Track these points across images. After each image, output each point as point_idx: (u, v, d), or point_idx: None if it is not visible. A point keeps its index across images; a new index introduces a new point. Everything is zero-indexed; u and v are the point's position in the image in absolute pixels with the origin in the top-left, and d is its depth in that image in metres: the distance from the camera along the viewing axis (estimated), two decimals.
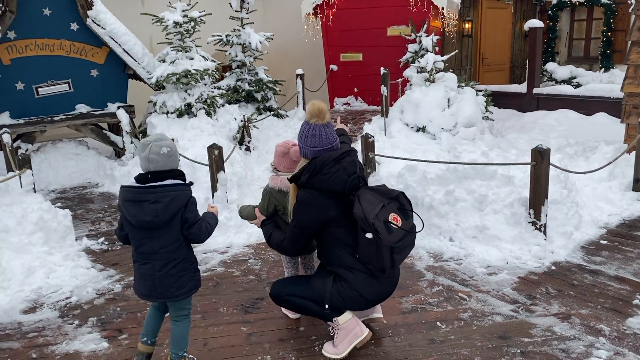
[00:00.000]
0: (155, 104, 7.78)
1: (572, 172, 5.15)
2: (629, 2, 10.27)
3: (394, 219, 2.85)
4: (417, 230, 3.02)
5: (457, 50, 10.60)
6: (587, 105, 10.67)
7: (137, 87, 8.77)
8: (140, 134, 8.28)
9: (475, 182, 5.14)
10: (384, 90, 8.71)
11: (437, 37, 9.95)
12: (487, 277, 4.27)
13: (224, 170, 5.54)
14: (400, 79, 9.91)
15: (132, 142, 7.91)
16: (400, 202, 2.98)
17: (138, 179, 2.74)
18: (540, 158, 4.59)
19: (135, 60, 7.82)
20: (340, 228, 2.92)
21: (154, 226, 2.68)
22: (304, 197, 2.92)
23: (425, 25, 10.08)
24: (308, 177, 2.89)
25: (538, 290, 3.98)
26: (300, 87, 9.80)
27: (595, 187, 6.03)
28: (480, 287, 4.06)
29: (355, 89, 11.67)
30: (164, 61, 8.03)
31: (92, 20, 7.49)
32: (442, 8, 9.92)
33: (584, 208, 5.43)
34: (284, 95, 9.96)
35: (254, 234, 5.41)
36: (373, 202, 2.83)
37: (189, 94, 7.68)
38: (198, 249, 5.08)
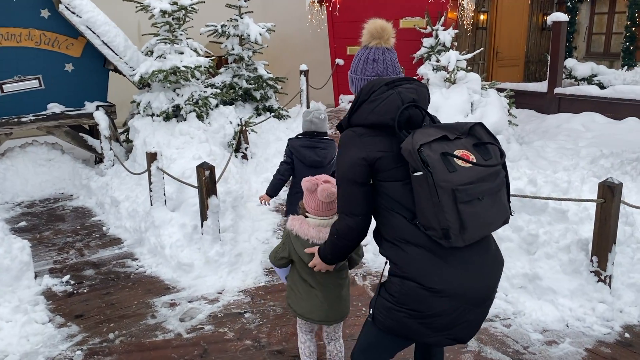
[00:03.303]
0: (138, 105, 6.80)
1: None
2: None
3: (463, 155, 1.93)
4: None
5: (482, 48, 9.65)
6: (614, 109, 9.77)
7: (122, 83, 7.76)
8: (124, 140, 7.31)
9: (522, 217, 4.24)
10: None
11: (456, 30, 9.00)
12: (546, 347, 3.38)
13: (216, 195, 4.60)
14: (414, 77, 8.95)
15: (111, 149, 6.92)
16: (477, 137, 2.02)
17: (307, 134, 3.96)
18: (610, 195, 3.68)
19: (116, 54, 6.81)
20: (393, 182, 2.05)
21: (320, 165, 3.88)
22: (344, 137, 2.16)
23: (443, 18, 9.12)
24: (351, 112, 2.15)
25: None
26: (304, 85, 8.82)
27: None
28: None
29: None
30: (151, 52, 7.03)
31: (66, 7, 6.46)
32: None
33: None
34: (285, 94, 8.97)
35: (250, 272, 4.50)
36: (432, 134, 1.97)
37: (178, 94, 6.71)
38: (182, 296, 4.17)
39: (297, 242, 2.61)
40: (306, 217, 2.65)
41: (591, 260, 3.83)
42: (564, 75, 12.12)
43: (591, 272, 3.83)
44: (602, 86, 11.47)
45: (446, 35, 8.96)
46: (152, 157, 5.09)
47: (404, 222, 2.04)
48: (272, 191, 4.10)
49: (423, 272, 2.01)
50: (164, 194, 5.22)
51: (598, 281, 3.80)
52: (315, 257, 2.48)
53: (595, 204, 3.85)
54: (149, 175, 5.13)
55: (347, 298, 2.78)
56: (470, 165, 1.91)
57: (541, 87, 11.14)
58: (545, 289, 3.86)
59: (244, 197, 5.82)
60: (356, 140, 2.09)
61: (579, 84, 11.85)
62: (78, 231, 5.65)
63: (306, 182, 2.64)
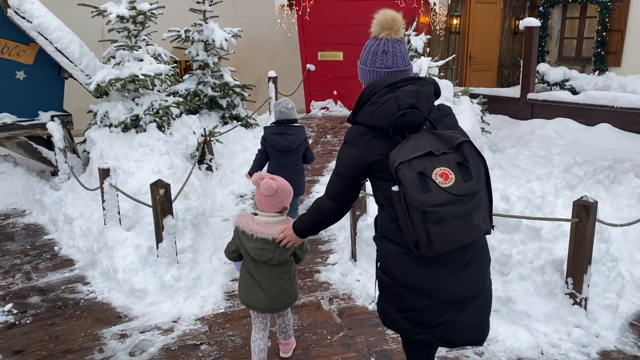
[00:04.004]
0: (95, 115, 6.44)
1: (616, 225, 4.08)
2: None
3: (442, 174, 1.98)
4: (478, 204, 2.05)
5: (454, 55, 9.50)
6: (587, 114, 9.74)
7: (82, 89, 7.35)
8: (83, 151, 6.92)
9: (495, 236, 4.05)
10: None
11: (428, 36, 8.84)
12: None
13: (172, 214, 4.30)
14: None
15: (66, 162, 6.54)
16: (463, 154, 2.03)
17: (278, 122, 4.61)
18: (585, 214, 3.51)
19: (70, 62, 6.44)
20: (386, 182, 2.15)
21: (289, 149, 4.54)
22: (347, 134, 2.25)
23: (415, 23, 8.94)
24: (355, 109, 2.23)
25: None
26: (272, 92, 8.54)
27: (626, 230, 5.00)
28: None
29: (335, 92, 10.44)
30: (114, 58, 6.67)
31: (15, 11, 6.08)
32: (434, 4, 8.77)
33: (619, 262, 4.38)
34: (253, 101, 8.67)
35: (209, 297, 4.21)
36: (420, 147, 2.02)
37: (137, 104, 6.37)
38: (134, 326, 3.86)
39: (243, 237, 2.85)
40: (255, 214, 2.90)
41: (566, 282, 3.66)
42: (536, 80, 12.10)
43: (566, 294, 3.66)
44: (574, 91, 11.46)
45: (418, 41, 8.77)
46: (104, 173, 4.77)
47: (388, 219, 2.19)
48: (253, 171, 4.71)
49: (395, 267, 2.16)
50: (119, 212, 4.89)
51: (573, 304, 3.63)
52: (287, 230, 2.67)
53: (562, 220, 3.69)
54: (102, 192, 4.81)
55: (290, 290, 3.00)
56: (446, 186, 1.96)
57: (514, 92, 11.07)
58: (519, 313, 3.67)
59: (206, 213, 5.51)
60: (358, 140, 2.18)
61: (551, 89, 11.83)
62: (27, 251, 5.28)
63: (255, 176, 2.88)
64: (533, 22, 10.47)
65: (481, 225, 2.06)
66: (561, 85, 11.85)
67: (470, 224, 2.01)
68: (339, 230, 5.32)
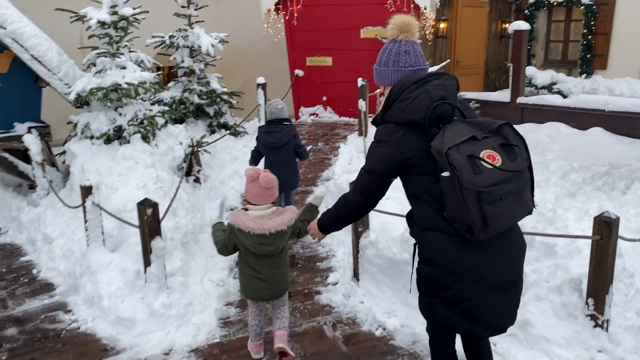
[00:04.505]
0: (75, 126, 6.08)
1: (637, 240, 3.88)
2: None
3: (489, 156, 2.06)
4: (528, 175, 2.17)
5: (449, 60, 9.32)
6: (578, 118, 9.63)
7: (61, 98, 6.97)
8: (63, 162, 6.55)
9: None
10: (362, 105, 7.31)
11: (420, 41, 8.63)
12: None
13: (161, 235, 3.99)
14: (377, 90, 8.53)
15: (44, 176, 6.15)
16: (504, 136, 2.13)
17: (269, 122, 5.00)
18: (607, 231, 3.30)
19: (48, 70, 6.08)
20: (424, 176, 2.24)
21: (276, 145, 4.89)
22: (377, 132, 2.34)
23: None
24: (384, 109, 2.30)
25: None
26: (261, 99, 8.24)
27: (636, 244, 4.82)
28: None
29: (324, 98, 10.19)
30: (94, 65, 6.31)
31: None
32: (425, 8, 8.58)
33: (634, 276, 4.19)
34: (242, 109, 8.37)
35: (203, 325, 3.90)
36: (461, 133, 2.11)
37: (120, 114, 6.02)
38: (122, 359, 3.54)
39: (240, 234, 2.99)
40: (246, 210, 3.04)
41: (586, 303, 3.44)
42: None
43: (587, 315, 3.44)
44: (562, 94, 11.40)
45: None
46: (87, 191, 4.44)
47: (432, 212, 2.23)
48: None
49: (445, 256, 2.19)
50: (102, 233, 4.57)
51: (595, 326, 3.41)
52: (312, 227, 2.70)
53: (583, 238, 3.48)
54: (84, 212, 4.47)
55: (287, 275, 3.26)
56: (496, 167, 2.03)
57: (504, 96, 10.94)
58: (538, 337, 3.44)
59: (196, 230, 5.20)
60: (389, 137, 2.24)
61: (538, 92, 11.75)
62: (3, 275, 4.91)
63: (249, 170, 3.02)
64: (522, 25, 10.35)
65: (529, 202, 2.17)
66: (549, 88, 11.78)
67: (521, 201, 2.11)
68: (338, 245, 5.07)
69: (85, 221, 4.49)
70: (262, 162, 5.17)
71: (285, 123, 4.99)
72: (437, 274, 2.22)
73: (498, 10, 13.33)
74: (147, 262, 3.99)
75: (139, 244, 4.19)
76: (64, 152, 6.51)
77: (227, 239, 3.05)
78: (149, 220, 3.90)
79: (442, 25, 11.93)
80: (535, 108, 10.31)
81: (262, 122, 8.10)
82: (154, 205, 3.91)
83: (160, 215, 4.06)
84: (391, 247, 4.02)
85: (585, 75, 12.12)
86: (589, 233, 4.25)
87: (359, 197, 2.41)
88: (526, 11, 13.19)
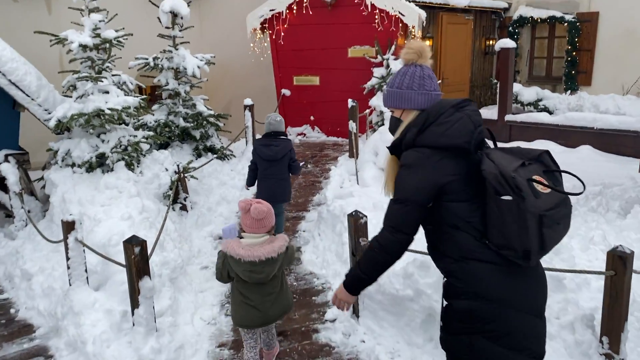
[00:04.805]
0: (56, 154, 5.81)
1: None
2: None
3: (541, 180, 2.06)
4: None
5: (440, 81, 9.24)
6: (566, 136, 9.63)
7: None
8: (42, 187, 6.25)
9: None
10: (352, 126, 7.15)
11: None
12: None
13: (149, 275, 3.75)
14: (367, 110, 8.41)
15: (23, 207, 5.85)
16: (544, 164, 2.15)
17: (266, 135, 5.15)
18: (621, 266, 3.16)
19: (27, 95, 5.81)
20: (460, 202, 2.15)
21: (274, 158, 5.08)
22: (410, 157, 2.19)
23: (393, 47, 8.67)
24: (417, 132, 2.20)
25: None
26: (249, 121, 8.04)
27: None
28: None
29: (312, 118, 10.03)
30: (74, 87, 6.06)
31: None
32: (413, 27, 8.51)
33: None
34: (229, 131, 8.15)
35: None
36: (509, 159, 2.10)
37: (103, 140, 5.78)
38: None
39: (231, 261, 3.04)
40: (241, 237, 3.10)
41: (600, 341, 3.28)
42: None
43: (602, 354, 3.28)
44: (548, 111, 11.44)
45: (397, 65, 8.49)
46: (69, 226, 4.17)
47: (471, 239, 2.13)
48: (250, 182, 5.35)
49: (492, 285, 2.09)
50: (85, 270, 4.30)
51: None
52: (338, 291, 2.39)
53: (597, 273, 3.33)
54: (66, 248, 4.20)
55: (283, 301, 3.22)
56: (549, 190, 2.03)
57: (491, 113, 10.92)
58: None
59: (184, 263, 4.96)
60: (426, 162, 2.14)
61: (524, 109, 11.77)
62: None
63: (241, 202, 3.08)
64: (509, 43, 10.37)
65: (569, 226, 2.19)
66: (535, 105, 11.82)
67: (568, 225, 2.12)
68: (334, 277, 4.86)
69: (67, 258, 4.22)
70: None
71: (282, 137, 5.17)
72: (481, 306, 2.10)
73: (482, 27, 13.39)
74: (134, 304, 3.73)
75: (125, 282, 3.94)
76: (42, 178, 6.23)
77: (221, 266, 3.10)
78: (137, 260, 3.66)
79: (428, 42, 11.93)
80: (523, 126, 10.30)
81: (250, 145, 7.91)
82: (142, 243, 3.67)
83: (148, 251, 3.83)
84: (393, 282, 3.83)
85: (570, 91, 12.18)
86: (596, 263, 4.18)
87: (398, 234, 2.18)
88: (510, 28, 13.26)
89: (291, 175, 5.37)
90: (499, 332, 2.09)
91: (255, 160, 5.17)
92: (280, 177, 5.16)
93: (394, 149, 2.30)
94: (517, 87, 12.16)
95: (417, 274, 3.77)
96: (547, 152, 2.17)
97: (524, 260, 2.04)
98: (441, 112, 2.18)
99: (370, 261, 2.27)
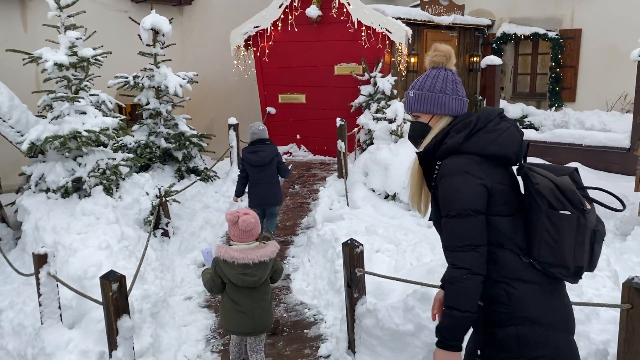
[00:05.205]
0: (29, 178, 5.49)
1: None
2: None
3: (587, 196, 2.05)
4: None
5: None
6: (554, 153, 9.56)
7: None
8: (15, 211, 5.90)
9: None
10: (341, 146, 6.95)
11: (395, 78, 8.43)
12: None
13: (129, 313, 3.45)
14: (355, 129, 8.23)
15: None
16: (576, 181, 2.07)
17: (252, 143, 5.39)
18: (638, 298, 2.95)
19: None
20: (503, 217, 2.00)
21: (261, 163, 5.31)
22: (456, 164, 2.00)
23: (380, 64, 8.53)
24: (466, 137, 2.03)
25: None
26: (234, 141, 7.78)
27: None
28: None
29: (298, 136, 9.81)
30: (50, 107, 5.76)
31: None
32: (400, 44, 8.39)
33: None
34: (213, 152, 7.88)
35: None
36: (550, 174, 2.01)
37: (80, 164, 5.47)
38: None
39: (224, 265, 3.10)
40: (230, 244, 3.20)
41: None
42: None
43: None
44: (533, 127, 11.41)
45: (385, 83, 8.37)
46: (40, 259, 3.84)
47: (515, 258, 2.00)
48: (239, 192, 5.56)
49: (540, 308, 1.96)
50: (59, 307, 3.97)
51: None
52: (436, 356, 1.98)
53: (612, 306, 3.13)
54: (38, 284, 3.88)
55: (270, 311, 3.32)
56: (589, 207, 1.99)
57: None
58: None
59: (166, 295, 4.65)
60: (474, 168, 2.00)
61: None
62: None
63: (229, 215, 3.17)
64: (495, 60, 10.35)
65: None
66: (520, 121, 11.77)
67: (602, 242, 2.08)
68: (326, 307, 4.60)
69: (39, 294, 3.89)
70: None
71: (267, 142, 5.41)
72: (530, 331, 1.94)
73: (466, 44, 13.38)
74: (112, 345, 3.42)
75: (102, 319, 3.63)
76: (14, 202, 5.88)
77: (213, 273, 3.15)
78: (115, 297, 3.35)
79: (413, 59, 11.85)
80: None
81: (235, 166, 7.65)
82: (120, 279, 3.37)
83: (128, 285, 3.53)
84: (393, 316, 3.58)
85: (554, 107, 12.20)
86: (604, 291, 3.99)
87: (473, 254, 1.91)
88: (494, 45, 13.26)
89: (282, 181, 5.67)
90: (547, 357, 1.96)
91: (245, 167, 5.40)
92: (270, 181, 5.41)
93: (425, 153, 2.13)
94: (502, 104, 12.13)
95: (418, 307, 3.53)
96: (577, 170, 2.11)
97: (574, 277, 1.97)
98: (490, 119, 2.06)
99: (465, 294, 1.92)
